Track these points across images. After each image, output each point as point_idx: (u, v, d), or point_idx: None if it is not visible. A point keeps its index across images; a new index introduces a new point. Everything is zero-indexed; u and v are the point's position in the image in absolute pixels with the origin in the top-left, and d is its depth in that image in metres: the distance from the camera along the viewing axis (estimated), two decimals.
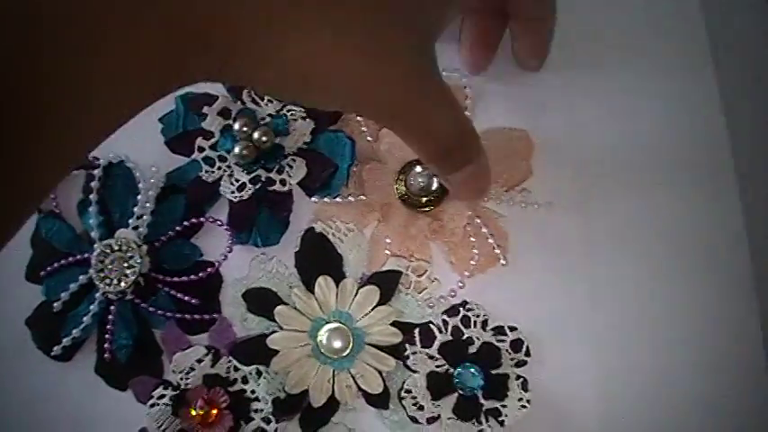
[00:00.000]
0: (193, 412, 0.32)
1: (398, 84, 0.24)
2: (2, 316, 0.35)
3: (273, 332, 0.34)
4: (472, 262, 0.34)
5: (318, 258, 0.34)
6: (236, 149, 0.34)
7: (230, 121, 0.35)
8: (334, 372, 0.33)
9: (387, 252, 0.34)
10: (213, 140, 0.35)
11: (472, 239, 0.34)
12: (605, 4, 0.38)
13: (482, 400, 0.32)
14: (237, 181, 0.35)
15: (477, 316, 0.33)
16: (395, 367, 0.33)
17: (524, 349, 0.33)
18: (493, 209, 0.35)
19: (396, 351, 0.33)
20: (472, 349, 0.33)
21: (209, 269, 0.34)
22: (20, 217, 0.20)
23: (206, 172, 0.35)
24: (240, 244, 0.35)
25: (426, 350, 0.33)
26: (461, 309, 0.33)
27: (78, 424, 0.34)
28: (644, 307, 0.34)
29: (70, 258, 0.34)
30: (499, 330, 0.33)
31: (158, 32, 0.20)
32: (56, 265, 0.34)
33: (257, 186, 0.35)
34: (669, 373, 0.33)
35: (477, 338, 0.33)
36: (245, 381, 0.33)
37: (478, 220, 0.34)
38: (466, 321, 0.33)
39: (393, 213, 0.35)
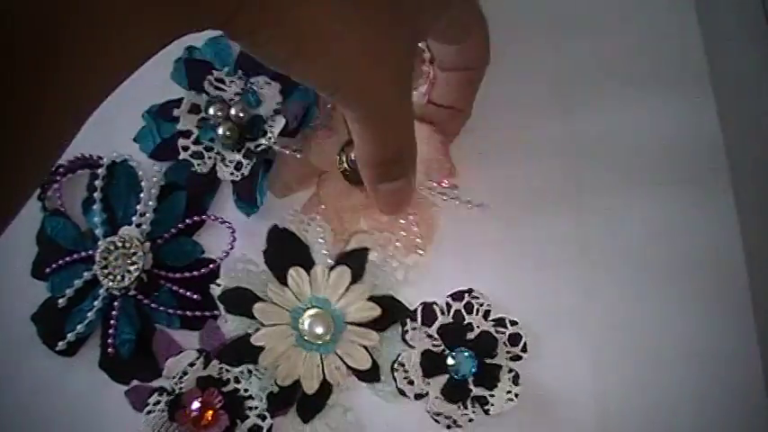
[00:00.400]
0: (189, 415, 0.33)
1: (389, 72, 0.24)
2: (8, 312, 0.36)
3: (257, 330, 0.34)
4: (398, 244, 0.34)
5: (286, 252, 0.35)
6: (220, 131, 0.35)
7: (203, 114, 0.36)
8: (321, 357, 0.33)
9: (317, 216, 0.35)
10: (194, 136, 0.36)
11: (401, 221, 0.34)
12: None
13: (471, 386, 0.32)
14: (232, 162, 0.35)
15: (481, 305, 0.33)
16: (386, 342, 0.33)
17: (522, 345, 0.33)
18: (429, 198, 0.35)
19: (376, 324, 0.33)
20: (470, 335, 0.33)
21: (210, 266, 0.35)
22: (36, 173, 0.20)
23: (197, 165, 0.36)
24: (254, 213, 0.35)
25: (426, 328, 0.33)
26: (466, 295, 0.33)
27: (82, 417, 0.34)
28: (637, 302, 0.34)
29: (75, 255, 0.35)
30: (500, 322, 0.33)
31: None
32: (61, 262, 0.35)
33: (253, 160, 0.35)
34: (663, 367, 0.33)
35: (478, 326, 0.33)
36: (237, 380, 0.34)
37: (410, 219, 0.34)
38: (469, 308, 0.33)
39: (331, 182, 0.35)
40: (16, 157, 0.18)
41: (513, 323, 0.33)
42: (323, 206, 0.35)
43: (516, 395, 0.32)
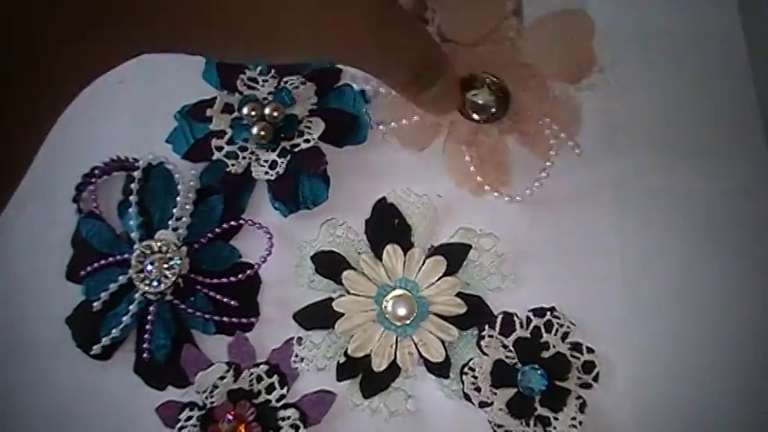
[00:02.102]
0: (222, 429, 0.32)
1: (358, 21, 0.24)
2: (42, 315, 0.35)
3: (341, 296, 0.34)
4: (551, 152, 0.32)
5: (388, 227, 0.34)
6: (254, 131, 0.35)
7: (236, 114, 0.36)
8: (397, 338, 0.33)
9: (467, 159, 0.33)
10: (227, 136, 0.36)
11: (547, 132, 0.32)
12: None
13: (537, 405, 0.32)
14: (267, 162, 0.35)
15: (561, 326, 0.33)
16: (463, 341, 0.33)
17: (594, 373, 0.32)
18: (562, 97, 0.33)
19: (459, 322, 0.33)
20: (545, 354, 0.32)
21: (248, 271, 0.34)
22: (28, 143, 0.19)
23: (232, 165, 0.35)
24: (292, 213, 0.35)
25: (502, 338, 0.33)
26: (548, 313, 0.33)
27: (116, 422, 0.34)
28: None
29: (110, 259, 0.35)
30: (576, 347, 0.33)
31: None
32: (96, 265, 0.35)
33: (288, 158, 0.35)
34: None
35: (554, 346, 0.33)
36: (269, 391, 0.33)
37: (548, 120, 0.32)
38: (548, 326, 0.33)
39: (460, 126, 0.34)
40: None
41: (590, 350, 0.33)
42: (463, 147, 0.34)
43: (580, 423, 0.32)
